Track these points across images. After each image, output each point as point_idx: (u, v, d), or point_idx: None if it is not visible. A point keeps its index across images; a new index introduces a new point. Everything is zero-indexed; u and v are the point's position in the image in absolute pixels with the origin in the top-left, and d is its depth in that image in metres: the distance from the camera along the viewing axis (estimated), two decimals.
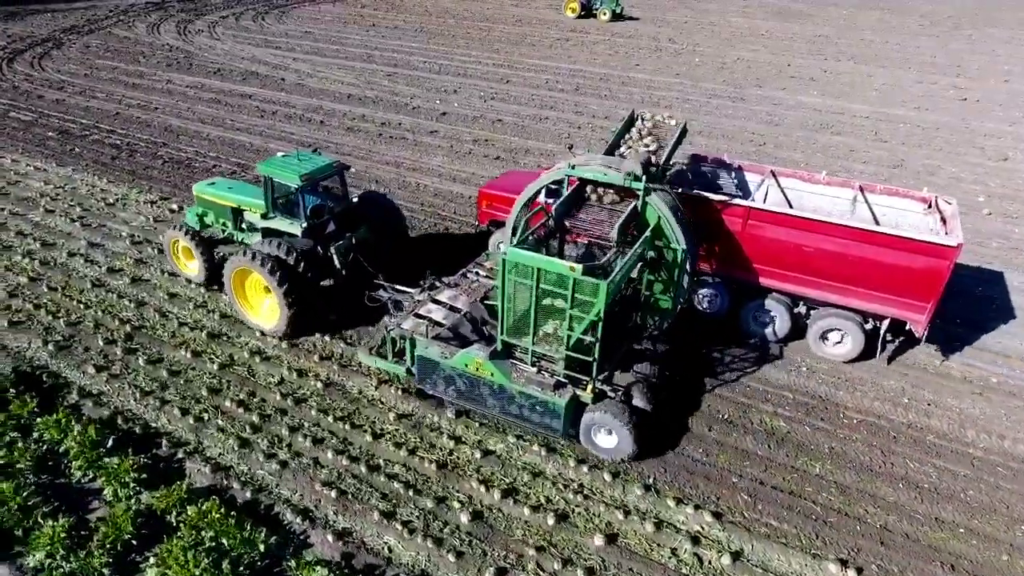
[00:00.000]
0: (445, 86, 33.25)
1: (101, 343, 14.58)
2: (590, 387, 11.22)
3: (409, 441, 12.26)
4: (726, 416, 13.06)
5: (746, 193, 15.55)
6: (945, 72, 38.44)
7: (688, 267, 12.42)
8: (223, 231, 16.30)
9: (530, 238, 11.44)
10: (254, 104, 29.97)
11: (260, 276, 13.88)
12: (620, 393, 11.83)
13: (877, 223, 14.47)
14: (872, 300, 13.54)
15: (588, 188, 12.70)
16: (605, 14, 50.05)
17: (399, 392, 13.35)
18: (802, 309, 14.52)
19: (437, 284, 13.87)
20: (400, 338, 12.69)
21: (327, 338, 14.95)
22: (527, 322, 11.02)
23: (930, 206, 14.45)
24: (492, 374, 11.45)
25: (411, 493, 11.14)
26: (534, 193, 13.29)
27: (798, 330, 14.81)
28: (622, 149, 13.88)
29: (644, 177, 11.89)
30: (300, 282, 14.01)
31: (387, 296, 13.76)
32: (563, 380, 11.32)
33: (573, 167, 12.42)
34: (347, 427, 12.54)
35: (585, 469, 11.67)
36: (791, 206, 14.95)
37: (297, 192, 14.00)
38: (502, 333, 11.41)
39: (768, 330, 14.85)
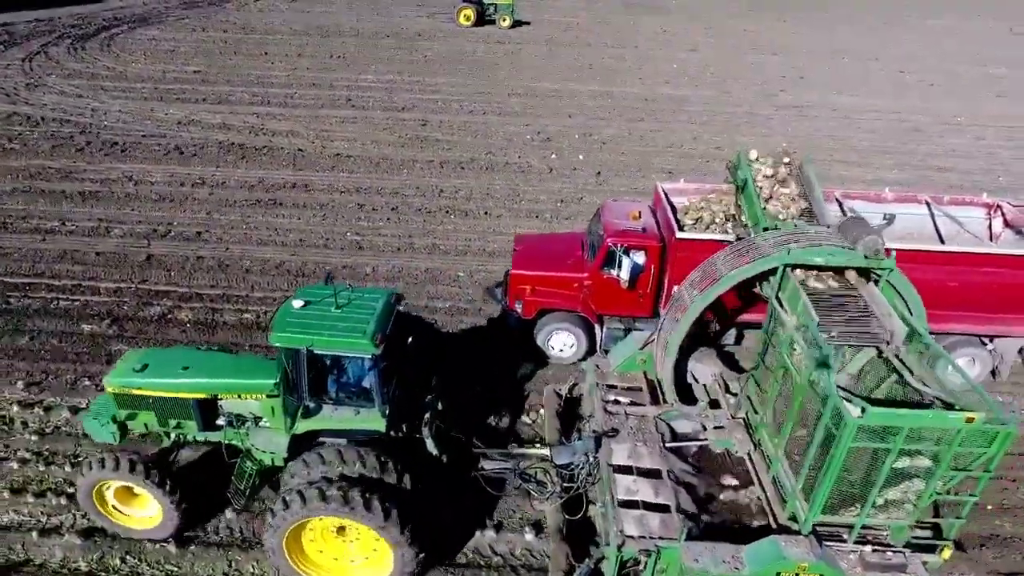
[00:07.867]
0: (517, 133, 25.69)
1: None
2: (947, 551, 8.60)
3: None
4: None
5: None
6: (978, 62, 40.03)
7: None
8: (171, 437, 9.72)
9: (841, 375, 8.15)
10: (331, 199, 19.64)
11: (346, 521, 8.47)
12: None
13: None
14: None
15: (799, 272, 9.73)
16: (506, 20, 45.17)
17: None
18: None
19: (595, 435, 9.80)
20: (644, 553, 8.42)
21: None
22: (863, 491, 8.11)
23: (992, 211, 14.21)
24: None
25: None
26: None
27: None
28: (769, 206, 10.80)
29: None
30: (412, 506, 8.75)
31: (504, 466, 9.74)
32: (901, 550, 8.68)
33: (790, 252, 9.40)
34: None
35: None
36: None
37: (374, 365, 8.60)
38: (815, 512, 8.24)
39: None
